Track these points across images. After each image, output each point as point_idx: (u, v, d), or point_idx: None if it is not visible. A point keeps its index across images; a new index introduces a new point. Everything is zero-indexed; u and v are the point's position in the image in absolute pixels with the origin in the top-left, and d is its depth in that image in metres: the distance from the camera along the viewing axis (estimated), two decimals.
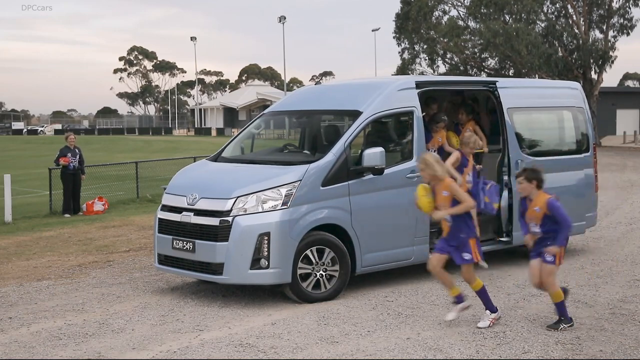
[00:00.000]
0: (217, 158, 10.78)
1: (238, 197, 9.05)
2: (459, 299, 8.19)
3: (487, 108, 12.40)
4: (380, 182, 9.68)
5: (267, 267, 8.91)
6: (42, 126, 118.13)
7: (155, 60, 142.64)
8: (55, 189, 18.82)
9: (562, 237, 7.83)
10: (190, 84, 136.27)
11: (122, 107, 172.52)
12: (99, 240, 14.34)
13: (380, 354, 7.25)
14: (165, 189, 10.16)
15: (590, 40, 48.67)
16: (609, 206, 18.17)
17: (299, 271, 9.08)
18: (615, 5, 49.29)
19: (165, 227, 9.70)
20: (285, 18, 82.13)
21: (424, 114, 10.76)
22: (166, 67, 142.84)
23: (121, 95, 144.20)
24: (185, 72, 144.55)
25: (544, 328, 7.98)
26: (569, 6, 49.56)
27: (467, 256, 7.98)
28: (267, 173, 9.46)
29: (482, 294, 8.13)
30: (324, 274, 9.26)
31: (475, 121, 11.68)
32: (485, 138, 11.73)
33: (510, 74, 50.09)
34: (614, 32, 49.85)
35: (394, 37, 55.36)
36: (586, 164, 12.33)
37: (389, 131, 10.67)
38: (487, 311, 8.13)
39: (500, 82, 11.54)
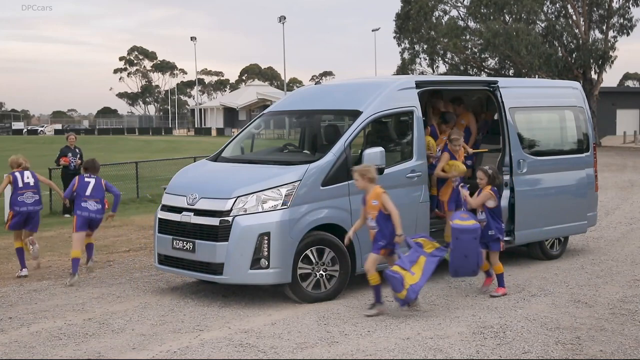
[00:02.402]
0: (217, 158, 10.77)
1: (238, 197, 9.05)
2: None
3: (482, 109, 12.47)
4: (380, 182, 9.65)
5: (267, 267, 8.90)
6: (42, 126, 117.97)
7: (155, 60, 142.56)
8: None
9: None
10: (191, 84, 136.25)
11: (122, 107, 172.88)
12: (99, 240, 14.31)
13: (380, 354, 7.24)
14: (165, 189, 10.16)
15: (590, 40, 48.60)
16: (609, 206, 18.16)
17: (299, 271, 9.08)
18: (615, 5, 49.22)
19: (165, 227, 9.69)
20: (285, 18, 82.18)
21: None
22: (166, 67, 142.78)
23: (121, 95, 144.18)
24: (186, 72, 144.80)
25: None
26: (569, 6, 49.51)
27: None
28: (267, 173, 9.45)
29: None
30: (324, 274, 9.25)
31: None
32: (474, 136, 12.02)
33: (510, 74, 50.01)
34: (614, 32, 49.81)
35: (394, 37, 55.29)
36: (587, 163, 12.33)
37: (389, 131, 10.66)
38: None
39: (502, 81, 11.53)
